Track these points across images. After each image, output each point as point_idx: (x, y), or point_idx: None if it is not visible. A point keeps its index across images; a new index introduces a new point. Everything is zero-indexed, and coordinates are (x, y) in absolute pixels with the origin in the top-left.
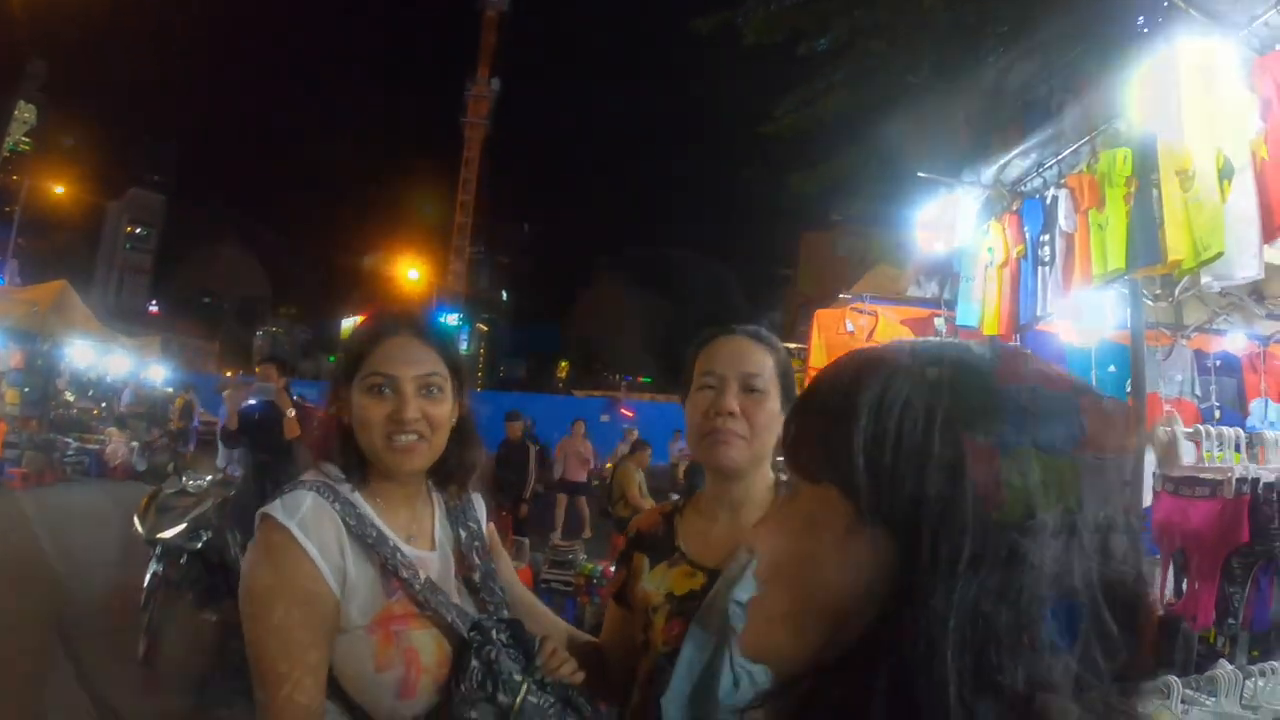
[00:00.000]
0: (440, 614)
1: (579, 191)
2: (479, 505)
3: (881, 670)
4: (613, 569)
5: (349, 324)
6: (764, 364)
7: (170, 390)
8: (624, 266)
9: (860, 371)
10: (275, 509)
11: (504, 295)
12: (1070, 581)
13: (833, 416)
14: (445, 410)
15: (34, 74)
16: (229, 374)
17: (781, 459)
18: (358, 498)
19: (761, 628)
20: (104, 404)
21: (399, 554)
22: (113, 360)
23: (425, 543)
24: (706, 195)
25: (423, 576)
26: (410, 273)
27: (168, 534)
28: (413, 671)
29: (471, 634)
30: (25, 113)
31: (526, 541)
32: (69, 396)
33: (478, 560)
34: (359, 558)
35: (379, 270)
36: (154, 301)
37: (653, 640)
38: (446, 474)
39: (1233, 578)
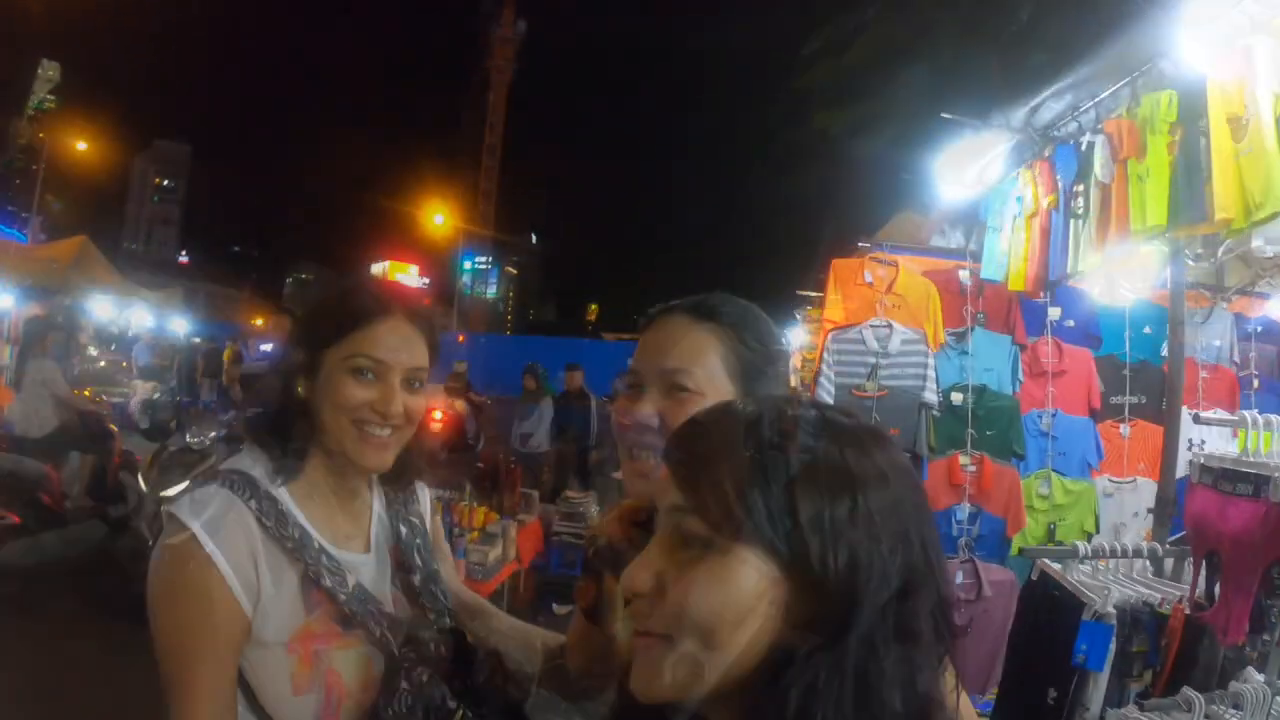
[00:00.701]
0: (368, 628)
1: (585, 210)
2: (423, 498)
3: (844, 694)
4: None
5: (378, 269)
6: (698, 351)
7: (196, 340)
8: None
9: (784, 439)
10: (181, 507)
11: (533, 238)
12: (933, 598)
13: (764, 490)
14: (424, 404)
15: (47, 77)
16: (259, 321)
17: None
18: (283, 492)
19: (682, 674)
20: (125, 360)
21: (324, 559)
22: (134, 313)
23: (360, 544)
24: (727, 212)
25: (351, 584)
26: (436, 217)
27: (171, 492)
28: (333, 697)
29: (404, 650)
30: (50, 70)
31: (536, 494)
32: (92, 351)
33: (419, 561)
34: (275, 565)
35: (407, 215)
36: (183, 252)
37: None
38: (399, 467)
39: (1272, 590)
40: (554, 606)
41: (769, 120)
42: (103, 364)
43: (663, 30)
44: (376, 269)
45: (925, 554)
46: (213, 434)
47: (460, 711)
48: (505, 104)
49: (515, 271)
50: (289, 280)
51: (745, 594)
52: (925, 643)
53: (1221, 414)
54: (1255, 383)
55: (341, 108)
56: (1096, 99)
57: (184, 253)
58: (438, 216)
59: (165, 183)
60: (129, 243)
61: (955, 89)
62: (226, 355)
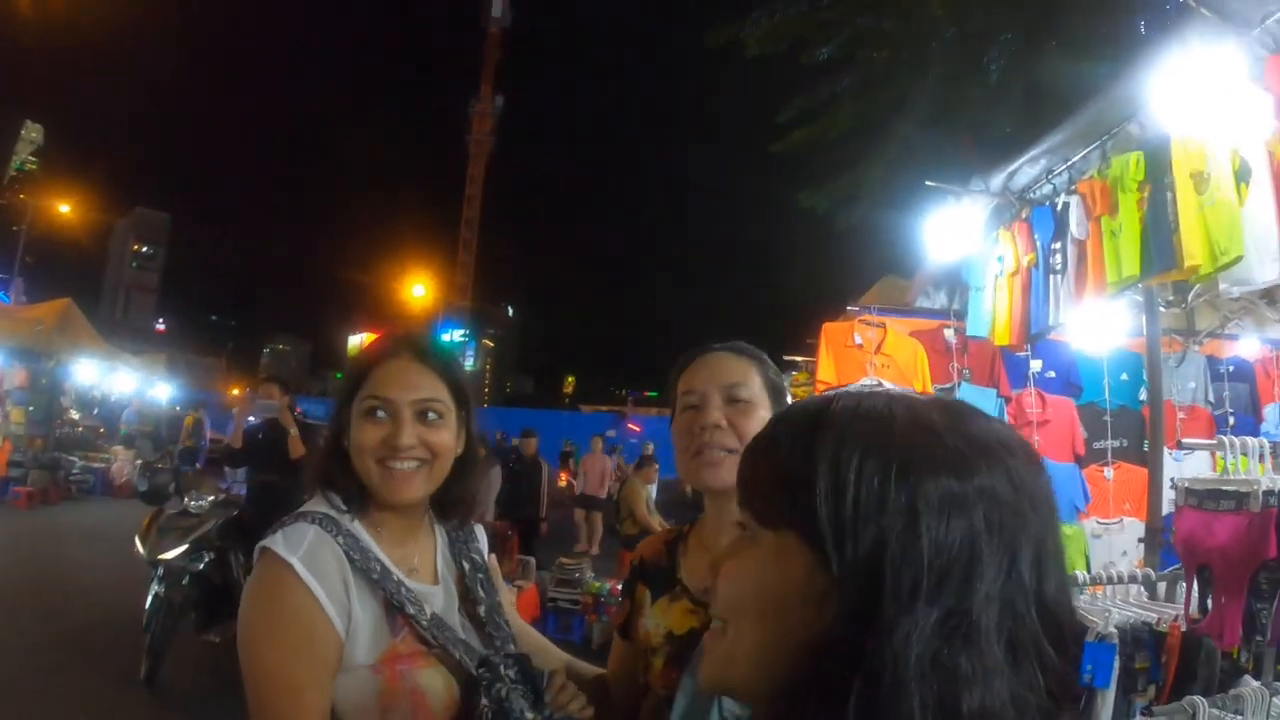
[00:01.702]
0: (448, 651)
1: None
2: (481, 536)
3: (849, 705)
4: (620, 587)
5: (355, 340)
6: (748, 375)
7: (177, 408)
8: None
9: (816, 424)
10: (276, 543)
11: (509, 310)
12: (1013, 610)
13: (792, 467)
14: (446, 438)
15: (30, 139)
16: (236, 391)
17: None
18: (359, 529)
19: (723, 662)
20: (111, 422)
21: (404, 589)
22: (117, 378)
23: (428, 576)
24: (707, 282)
25: (428, 612)
26: (415, 289)
27: (169, 555)
28: (420, 715)
29: (480, 671)
30: (32, 132)
31: (533, 561)
32: (74, 415)
33: (482, 593)
34: (363, 594)
35: (384, 286)
36: (160, 319)
37: (652, 683)
38: (449, 505)
39: (1260, 594)
40: None
41: (747, 192)
42: (81, 430)
43: (640, 103)
44: (354, 341)
45: (1001, 553)
46: (210, 498)
47: None
48: (484, 177)
49: (492, 344)
50: (266, 350)
51: (776, 580)
52: (985, 653)
53: (1199, 440)
54: (1230, 420)
55: (321, 179)
56: (1069, 162)
57: (161, 320)
58: (417, 288)
59: (145, 249)
60: (107, 309)
61: (930, 158)
62: (188, 421)
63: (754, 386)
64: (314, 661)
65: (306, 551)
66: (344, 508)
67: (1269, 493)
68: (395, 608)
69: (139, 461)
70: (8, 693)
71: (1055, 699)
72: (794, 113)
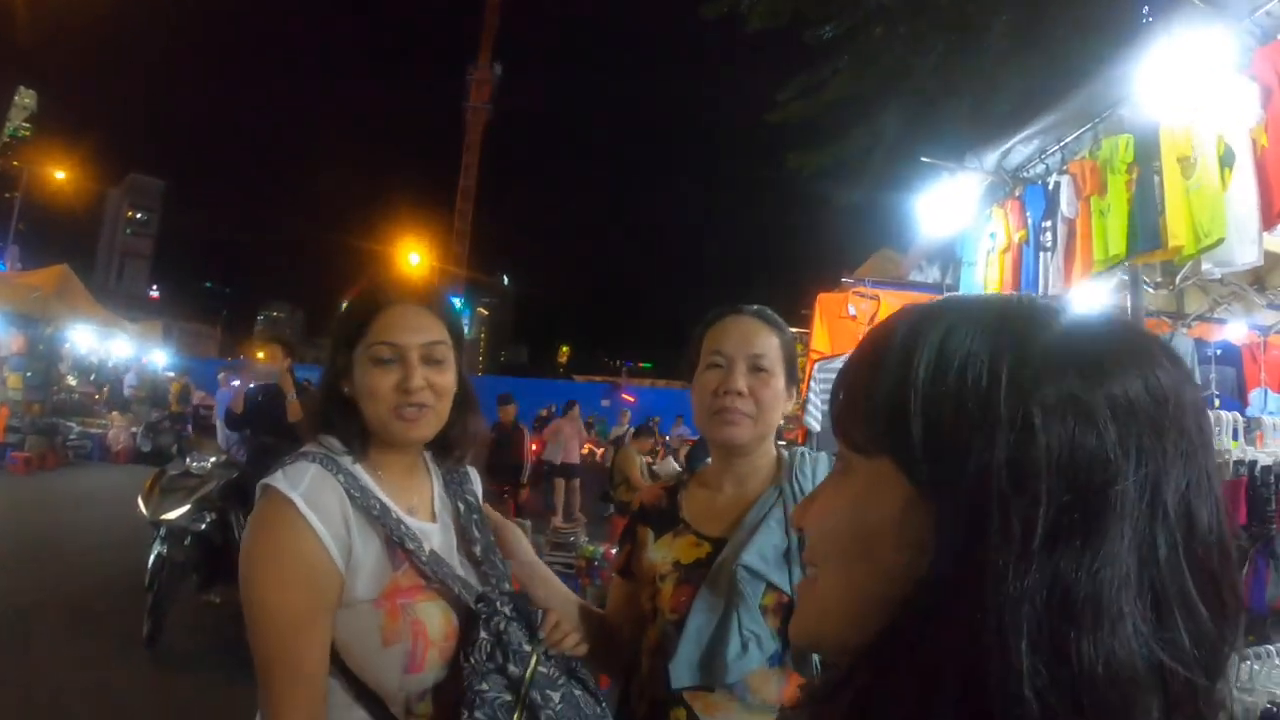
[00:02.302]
0: (447, 585)
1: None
2: (474, 479)
3: (949, 658)
4: (614, 551)
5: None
6: (770, 344)
7: (172, 374)
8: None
9: (913, 329)
10: (278, 479)
11: (505, 279)
12: (1154, 554)
13: (884, 381)
14: (450, 379)
15: (24, 105)
16: (230, 358)
17: (782, 441)
18: (359, 469)
19: (813, 614)
20: (106, 388)
21: (403, 526)
22: (115, 344)
23: (426, 514)
24: (703, 252)
25: (427, 548)
26: (411, 256)
27: (172, 515)
28: (420, 644)
29: (478, 605)
30: (26, 98)
31: (528, 524)
32: (71, 381)
33: (477, 533)
34: (363, 530)
35: (380, 255)
36: (154, 286)
37: (660, 607)
38: (448, 444)
39: None
40: None
41: (745, 165)
42: (77, 395)
43: (640, 77)
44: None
45: (1139, 480)
46: (212, 459)
47: (535, 655)
48: (480, 146)
49: (487, 313)
50: (260, 317)
51: (867, 516)
52: (1119, 608)
53: None
54: (1216, 403)
55: (317, 146)
56: (1062, 143)
57: (155, 287)
58: (413, 256)
59: (139, 216)
60: (101, 275)
61: (928, 134)
62: (175, 388)
63: (773, 355)
64: (314, 597)
65: (308, 488)
66: (343, 449)
67: (1239, 462)
68: (395, 543)
69: (134, 429)
70: (9, 655)
71: (1207, 672)
72: (795, 91)
